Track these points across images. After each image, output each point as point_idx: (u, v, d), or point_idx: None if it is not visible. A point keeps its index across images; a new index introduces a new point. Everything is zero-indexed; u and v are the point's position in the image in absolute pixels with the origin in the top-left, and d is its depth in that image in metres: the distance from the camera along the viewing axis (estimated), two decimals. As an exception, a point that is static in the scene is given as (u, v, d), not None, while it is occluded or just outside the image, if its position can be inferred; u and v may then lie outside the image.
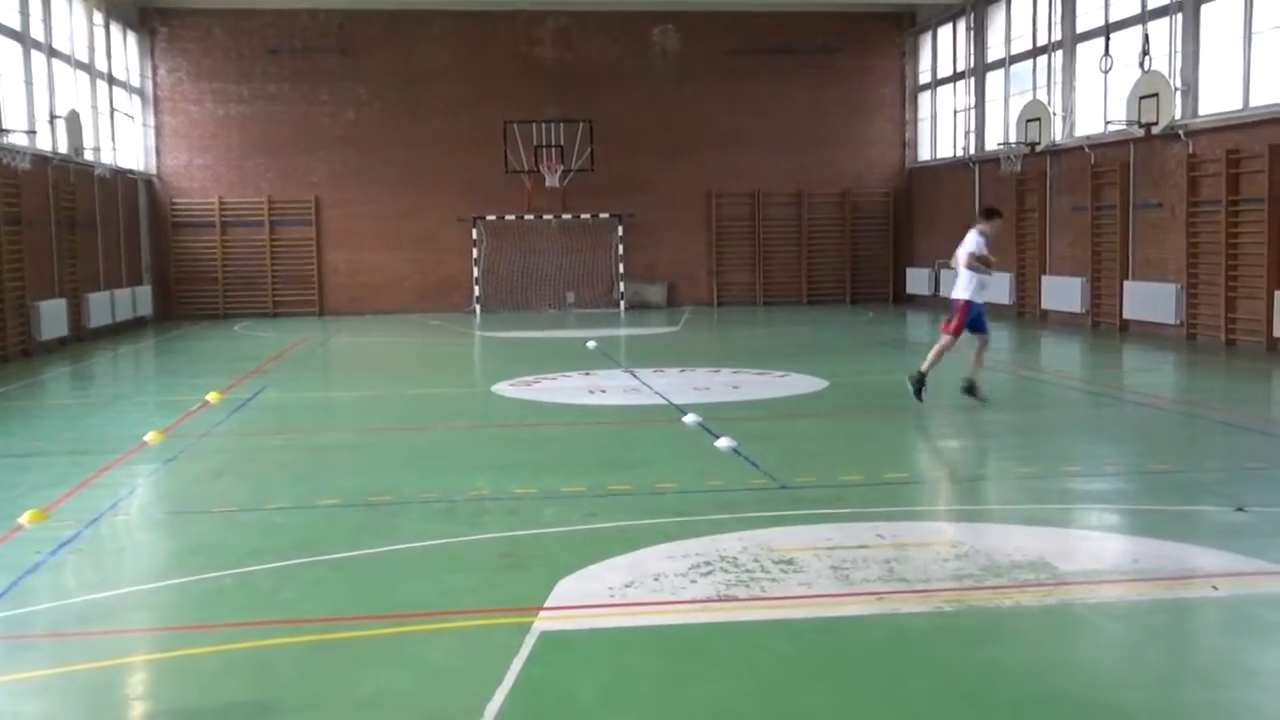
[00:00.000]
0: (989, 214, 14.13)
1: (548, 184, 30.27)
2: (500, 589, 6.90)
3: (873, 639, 6.06)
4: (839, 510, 8.58)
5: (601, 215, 31.05)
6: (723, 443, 11.14)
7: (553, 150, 30.31)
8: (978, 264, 13.44)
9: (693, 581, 6.84)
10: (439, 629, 6.25)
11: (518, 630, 6.07)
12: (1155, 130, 20.75)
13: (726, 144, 31.52)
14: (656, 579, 6.91)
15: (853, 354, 20.31)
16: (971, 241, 13.54)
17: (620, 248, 31.15)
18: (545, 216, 30.89)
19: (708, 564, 7.17)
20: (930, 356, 13.68)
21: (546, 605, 6.48)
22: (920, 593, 6.61)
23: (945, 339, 13.69)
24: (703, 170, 31.54)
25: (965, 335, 13.62)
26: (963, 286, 13.55)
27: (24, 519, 8.71)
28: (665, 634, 6.12)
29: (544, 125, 30.29)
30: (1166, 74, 20.80)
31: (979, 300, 13.53)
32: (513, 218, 30.82)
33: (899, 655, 5.79)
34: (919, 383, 13.56)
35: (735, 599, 6.54)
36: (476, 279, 30.83)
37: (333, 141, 30.67)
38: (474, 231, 30.72)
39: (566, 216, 30.95)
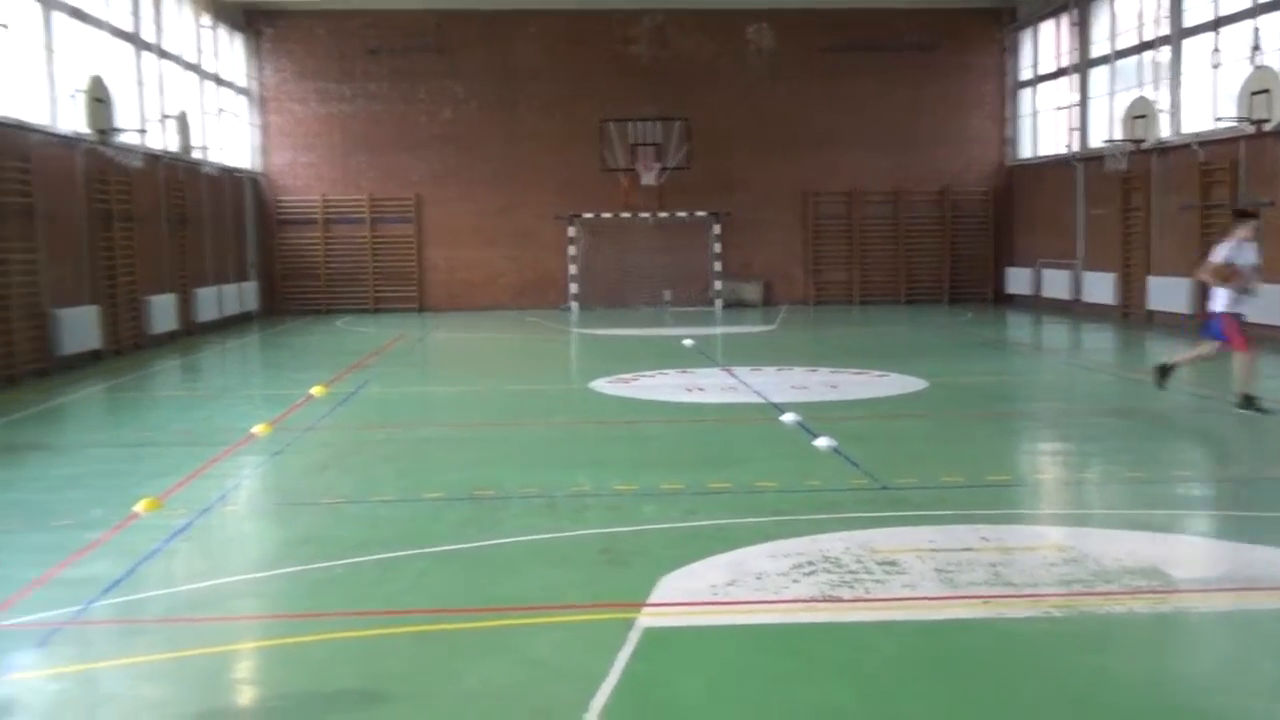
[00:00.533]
0: (1241, 215, 13.19)
1: (644, 182, 30.34)
2: (602, 584, 6.93)
3: (979, 643, 5.98)
4: (941, 512, 8.49)
5: (698, 213, 31.02)
6: (821, 442, 11.08)
7: (649, 148, 30.37)
8: (1209, 277, 12.79)
9: (795, 581, 6.82)
10: (543, 623, 6.29)
11: (621, 626, 6.10)
12: (1267, 127, 20.19)
13: (822, 142, 31.34)
14: (758, 578, 6.90)
15: (952, 354, 20.05)
16: (1221, 251, 12.78)
17: (717, 246, 31.10)
18: (642, 214, 30.94)
19: (810, 564, 7.13)
20: (1239, 376, 12.82)
21: (649, 601, 6.50)
22: (1028, 597, 6.51)
23: (1243, 356, 12.78)
24: (799, 169, 31.40)
25: (1206, 345, 13.18)
26: (1222, 299, 12.78)
27: (139, 507, 8.96)
28: (769, 633, 6.10)
29: (640, 123, 30.36)
30: (1278, 69, 20.22)
31: (1239, 310, 12.74)
32: (609, 215, 30.93)
33: (1006, 660, 5.72)
34: (1247, 402, 12.66)
35: (839, 600, 6.50)
36: (573, 276, 30.99)
37: (431, 140, 31.05)
38: (570, 229, 30.89)
39: (663, 215, 30.96)
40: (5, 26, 17.36)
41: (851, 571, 6.97)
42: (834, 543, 7.60)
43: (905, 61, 31.50)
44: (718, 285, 31.18)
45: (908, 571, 6.97)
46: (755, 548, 7.53)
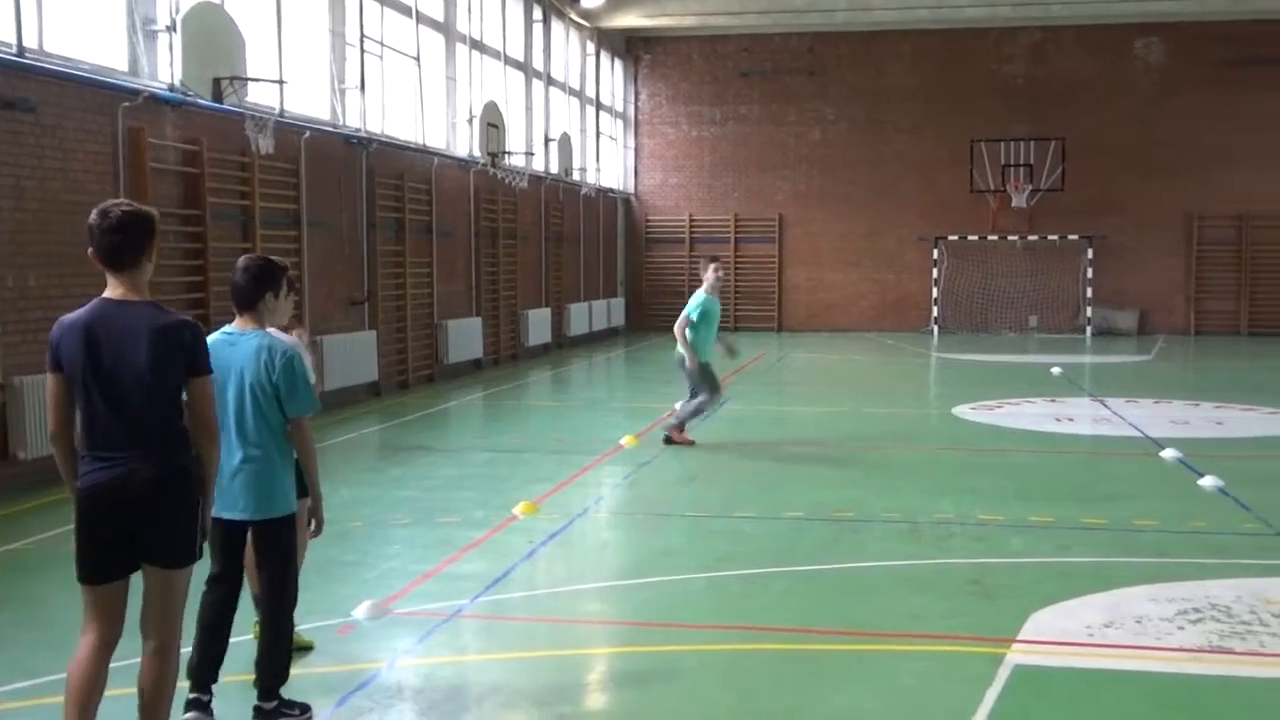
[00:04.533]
0: None
1: (1014, 204, 29.43)
2: (970, 616, 6.77)
3: (1395, 712, 5.45)
4: (1349, 566, 7.78)
5: (1070, 237, 29.76)
6: (1207, 481, 10.41)
7: (1020, 169, 29.45)
8: None
9: (1180, 628, 6.43)
10: (908, 650, 6.21)
11: (990, 660, 5.94)
12: None
13: (1210, 163, 29.27)
14: (1139, 621, 6.55)
15: (1358, 394, 18.31)
16: None
17: (1089, 271, 29.74)
18: (1010, 237, 30.01)
19: (1196, 611, 6.71)
20: None
21: (1019, 638, 6.30)
22: None
23: None
24: (1183, 191, 29.48)
25: None
26: None
27: (517, 510, 9.49)
28: (1152, 681, 5.78)
29: (1012, 144, 29.49)
30: None
31: None
32: (975, 238, 30.17)
33: None
34: None
35: (1230, 651, 6.08)
36: (935, 299, 30.42)
37: (798, 161, 31.26)
38: (935, 251, 30.34)
39: (1032, 238, 29.92)
40: (416, 59, 18.82)
41: (1244, 623, 6.50)
42: (1223, 590, 7.11)
43: (1311, 75, 29.06)
44: (1088, 312, 29.81)
45: (1309, 628, 6.44)
46: (1135, 589, 7.15)
